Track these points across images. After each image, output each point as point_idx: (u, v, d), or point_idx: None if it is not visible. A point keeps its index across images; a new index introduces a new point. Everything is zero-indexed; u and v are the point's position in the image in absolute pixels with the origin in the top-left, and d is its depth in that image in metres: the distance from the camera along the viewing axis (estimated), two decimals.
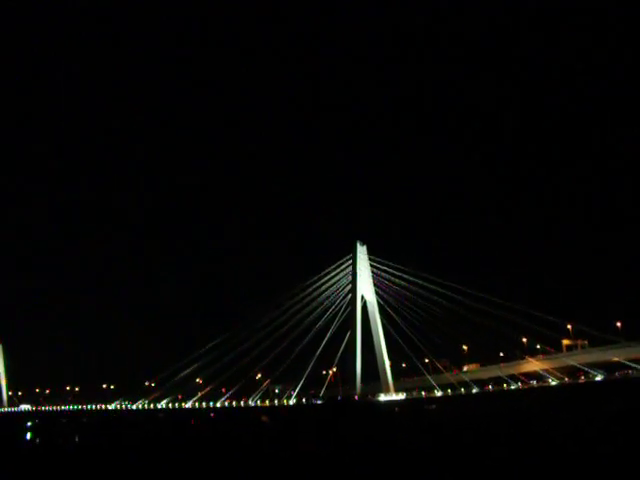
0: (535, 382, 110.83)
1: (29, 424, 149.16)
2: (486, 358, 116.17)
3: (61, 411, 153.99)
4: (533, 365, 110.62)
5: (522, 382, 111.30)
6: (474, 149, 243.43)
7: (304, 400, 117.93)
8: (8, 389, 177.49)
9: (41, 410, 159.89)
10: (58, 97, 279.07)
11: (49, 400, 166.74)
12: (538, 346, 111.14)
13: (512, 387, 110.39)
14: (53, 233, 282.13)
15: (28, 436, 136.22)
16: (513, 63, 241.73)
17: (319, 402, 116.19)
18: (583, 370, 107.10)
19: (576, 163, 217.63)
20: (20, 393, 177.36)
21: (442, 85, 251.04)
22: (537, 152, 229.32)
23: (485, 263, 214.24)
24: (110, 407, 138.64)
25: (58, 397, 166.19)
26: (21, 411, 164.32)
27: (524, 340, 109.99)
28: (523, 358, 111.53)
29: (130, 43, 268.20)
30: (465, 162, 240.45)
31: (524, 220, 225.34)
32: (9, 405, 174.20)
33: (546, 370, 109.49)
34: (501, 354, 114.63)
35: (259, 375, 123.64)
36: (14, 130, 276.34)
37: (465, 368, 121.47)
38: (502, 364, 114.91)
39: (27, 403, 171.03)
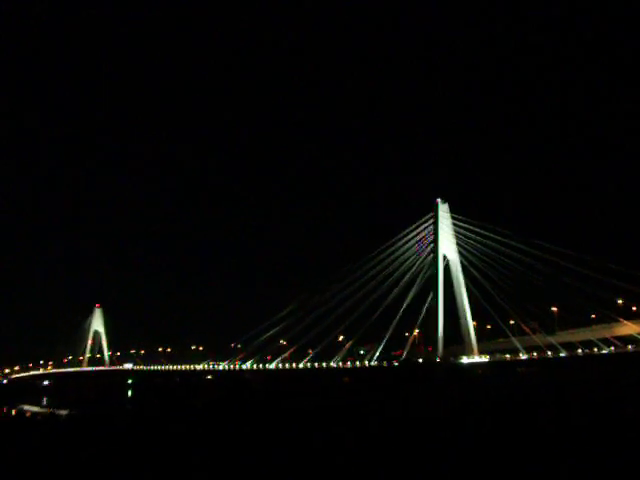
0: (630, 347, 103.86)
1: (130, 382, 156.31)
2: (577, 320, 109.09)
3: (155, 371, 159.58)
4: (628, 328, 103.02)
5: (615, 346, 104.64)
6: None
7: (385, 362, 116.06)
8: (109, 350, 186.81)
9: (140, 370, 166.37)
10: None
11: (144, 360, 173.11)
12: (634, 308, 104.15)
13: (603, 351, 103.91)
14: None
15: (129, 393, 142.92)
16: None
17: (396, 364, 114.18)
18: None
19: None
20: (118, 353, 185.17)
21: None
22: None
23: (579, 221, 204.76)
24: (198, 367, 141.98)
25: (152, 357, 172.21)
26: (125, 370, 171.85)
27: (619, 302, 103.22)
28: (618, 320, 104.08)
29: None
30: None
31: (621, 177, 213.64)
32: (110, 364, 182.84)
33: None
34: (593, 316, 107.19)
35: (341, 337, 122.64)
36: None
37: None
38: (594, 326, 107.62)
39: (128, 363, 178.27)
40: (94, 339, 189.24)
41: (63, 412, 73.13)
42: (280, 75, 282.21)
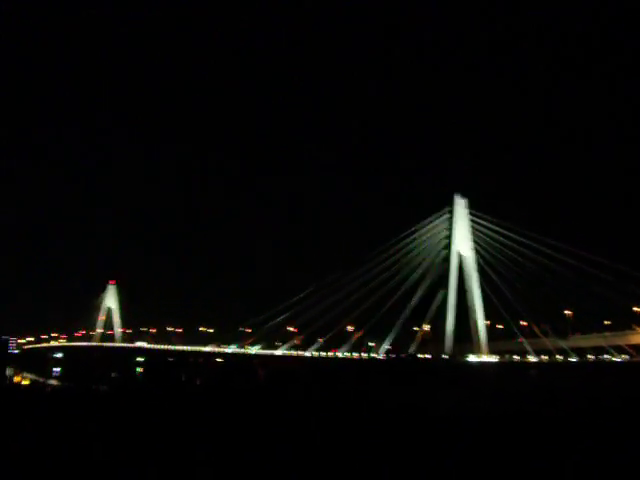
0: None
1: (140, 359, 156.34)
2: (590, 326, 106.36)
3: (167, 350, 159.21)
4: None
5: (629, 355, 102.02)
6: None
7: (391, 356, 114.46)
8: (120, 327, 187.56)
9: (153, 348, 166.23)
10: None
11: (155, 339, 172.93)
12: None
13: (616, 359, 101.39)
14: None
15: (138, 370, 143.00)
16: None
17: (402, 357, 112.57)
18: None
19: None
20: (129, 331, 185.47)
21: None
22: None
23: (599, 224, 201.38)
24: (205, 349, 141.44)
25: (162, 336, 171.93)
26: (137, 347, 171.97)
27: (635, 309, 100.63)
28: (633, 329, 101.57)
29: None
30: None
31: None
32: (122, 341, 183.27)
33: None
34: (607, 322, 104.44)
35: (351, 328, 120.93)
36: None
37: None
38: (607, 333, 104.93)
39: (140, 341, 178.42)
40: (106, 315, 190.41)
41: (53, 383, 73.12)
42: (280, 75, 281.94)
